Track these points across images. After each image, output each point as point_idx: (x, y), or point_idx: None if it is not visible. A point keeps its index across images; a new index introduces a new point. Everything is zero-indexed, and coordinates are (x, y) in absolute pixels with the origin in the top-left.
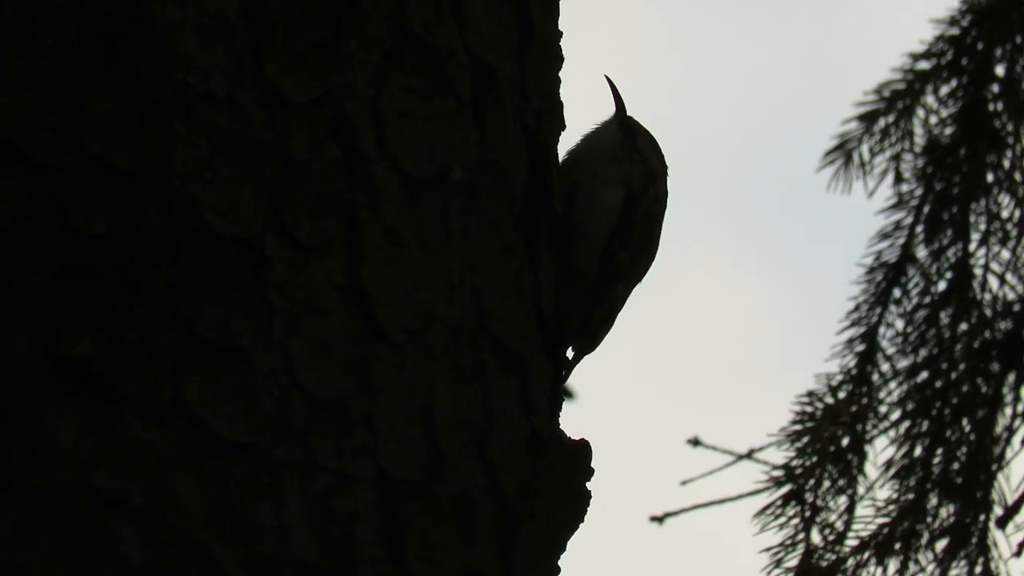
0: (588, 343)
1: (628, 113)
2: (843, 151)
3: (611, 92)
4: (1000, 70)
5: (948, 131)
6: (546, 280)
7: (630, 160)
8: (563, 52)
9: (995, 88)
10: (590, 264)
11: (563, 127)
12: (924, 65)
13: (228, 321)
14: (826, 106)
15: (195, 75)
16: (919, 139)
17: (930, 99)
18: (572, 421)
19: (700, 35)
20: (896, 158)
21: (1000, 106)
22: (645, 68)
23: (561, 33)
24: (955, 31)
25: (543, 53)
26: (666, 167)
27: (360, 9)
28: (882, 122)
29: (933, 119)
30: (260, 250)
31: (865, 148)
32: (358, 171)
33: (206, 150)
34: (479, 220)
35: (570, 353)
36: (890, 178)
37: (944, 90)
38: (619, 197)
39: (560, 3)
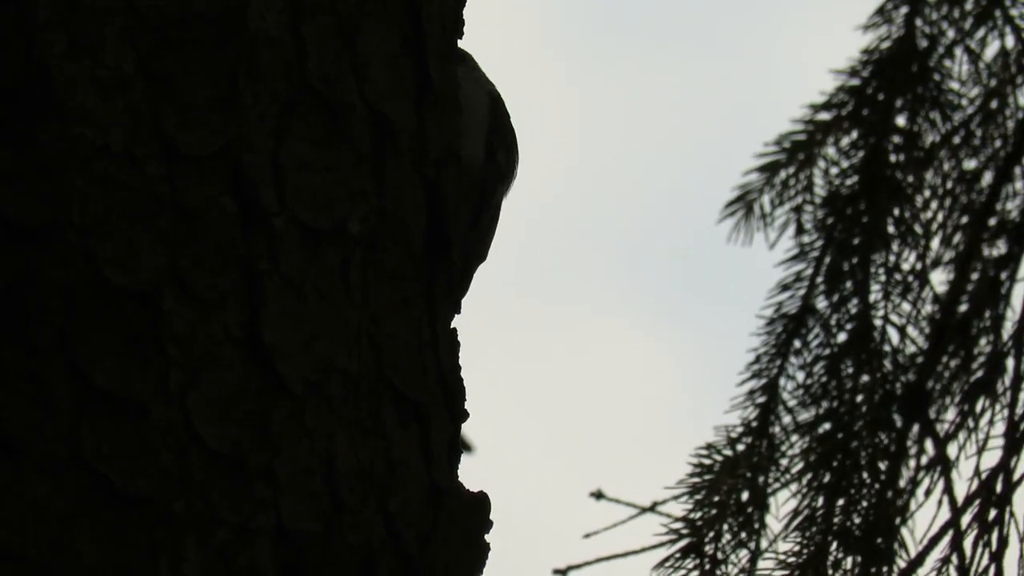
0: (480, 254)
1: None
2: (744, 202)
3: None
4: (901, 120)
5: (849, 182)
6: (444, 332)
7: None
8: (461, 103)
9: (896, 139)
10: (475, 161)
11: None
12: (825, 116)
13: (126, 375)
14: (726, 157)
15: (92, 129)
16: (820, 190)
17: (831, 150)
18: (472, 474)
19: (599, 88)
20: (797, 209)
21: (901, 157)
22: (542, 122)
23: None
24: (855, 82)
25: (441, 104)
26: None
27: (257, 62)
28: (783, 173)
29: (834, 170)
30: (158, 304)
31: (766, 199)
32: (257, 224)
33: (103, 204)
34: (378, 272)
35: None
36: (791, 229)
37: (845, 141)
38: (485, 99)
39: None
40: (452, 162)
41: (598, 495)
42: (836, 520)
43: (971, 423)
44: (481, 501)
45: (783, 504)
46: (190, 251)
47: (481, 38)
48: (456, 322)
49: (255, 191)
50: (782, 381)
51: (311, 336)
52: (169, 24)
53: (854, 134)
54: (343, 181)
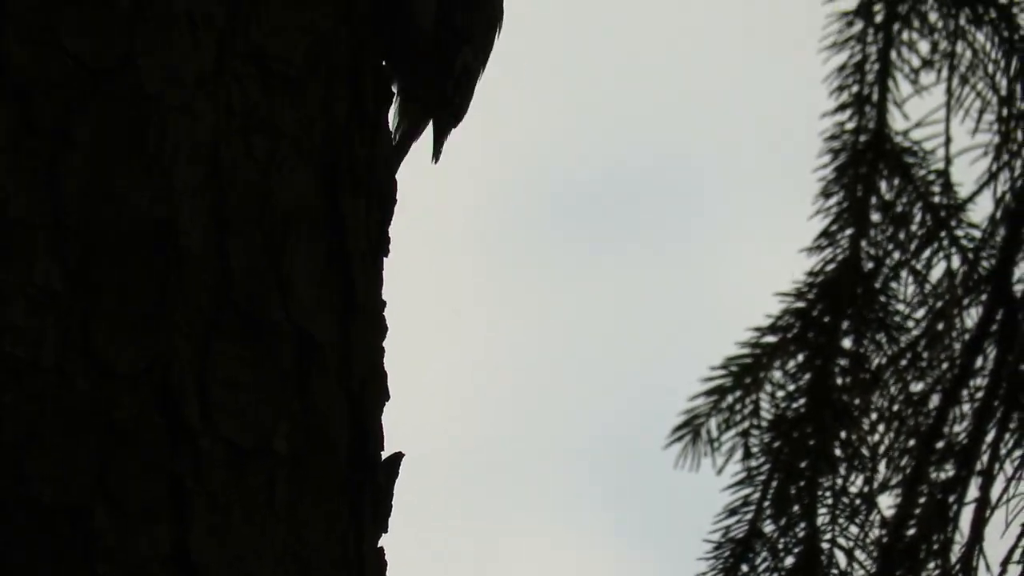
0: (453, 115)
1: None
2: (691, 427)
3: None
4: (847, 343)
5: (795, 405)
6: (371, 551)
7: None
8: (387, 322)
9: (842, 362)
10: (429, 27)
11: (387, 396)
12: (770, 339)
13: None
14: (672, 381)
15: (21, 346)
16: (766, 413)
17: (777, 373)
18: None
19: (538, 309)
20: (744, 434)
21: (847, 380)
22: (479, 342)
23: (385, 303)
24: (801, 304)
25: (367, 321)
26: None
27: (184, 280)
28: (730, 398)
29: (780, 393)
30: (87, 520)
31: (713, 423)
32: (183, 441)
33: (33, 420)
34: (304, 489)
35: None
36: (739, 454)
37: (791, 364)
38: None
39: (383, 273)
40: (377, 378)
41: None
42: None
43: None
44: None
45: None
46: (119, 467)
47: (422, 242)
48: (384, 540)
49: (181, 409)
50: None
51: (236, 554)
52: (97, 239)
53: (800, 357)
54: (268, 398)
